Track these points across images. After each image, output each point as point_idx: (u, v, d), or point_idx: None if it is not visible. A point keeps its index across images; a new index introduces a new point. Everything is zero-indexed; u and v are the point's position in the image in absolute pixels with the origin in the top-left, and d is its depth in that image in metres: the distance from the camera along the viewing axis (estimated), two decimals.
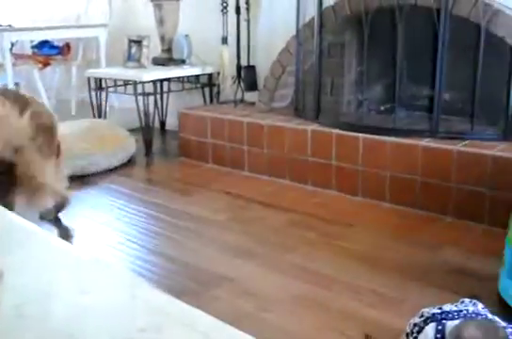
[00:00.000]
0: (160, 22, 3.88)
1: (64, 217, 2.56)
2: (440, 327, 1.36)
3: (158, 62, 3.92)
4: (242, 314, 1.78)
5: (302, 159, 2.98)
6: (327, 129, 2.90)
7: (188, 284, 2.00)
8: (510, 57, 2.51)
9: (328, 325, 1.72)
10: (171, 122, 4.06)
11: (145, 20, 4.17)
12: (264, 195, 2.88)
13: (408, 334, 1.47)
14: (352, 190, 2.82)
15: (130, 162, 3.48)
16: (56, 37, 4.55)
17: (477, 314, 1.43)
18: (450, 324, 1.34)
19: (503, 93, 2.57)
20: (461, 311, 1.44)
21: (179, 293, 1.86)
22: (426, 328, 1.39)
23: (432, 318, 1.42)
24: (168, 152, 3.79)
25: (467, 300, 1.47)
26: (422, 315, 1.47)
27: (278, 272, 2.07)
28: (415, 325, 1.46)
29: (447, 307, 1.46)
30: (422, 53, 2.90)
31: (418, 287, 1.92)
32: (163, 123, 4.25)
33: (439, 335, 1.33)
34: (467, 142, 2.56)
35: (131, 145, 3.53)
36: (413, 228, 2.44)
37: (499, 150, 2.43)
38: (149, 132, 3.70)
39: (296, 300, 1.88)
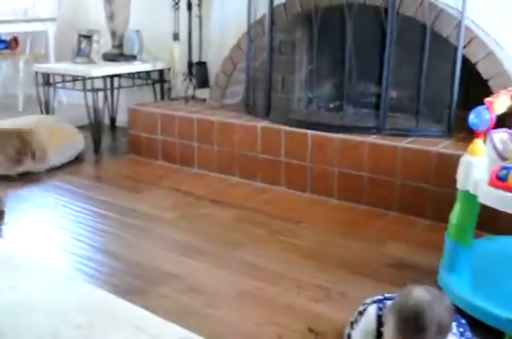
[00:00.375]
0: (110, 17, 3.82)
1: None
2: (381, 305, 1.41)
3: (108, 58, 3.86)
4: (188, 311, 1.78)
5: (252, 156, 2.99)
6: (276, 126, 2.92)
7: (135, 283, 1.98)
8: (454, 57, 2.57)
9: (274, 319, 1.74)
10: (122, 119, 4.00)
11: (95, 14, 4.10)
12: (213, 192, 2.87)
13: (352, 323, 1.50)
14: (301, 187, 2.85)
15: (78, 159, 3.41)
16: (2, 31, 4.43)
17: None
18: (389, 303, 1.38)
19: (447, 92, 2.63)
20: None
21: (125, 291, 1.85)
22: (368, 308, 1.44)
23: (374, 301, 1.46)
24: (117, 149, 3.74)
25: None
26: (365, 303, 1.51)
27: (225, 269, 2.07)
28: (359, 312, 1.50)
29: (388, 295, 1.49)
30: (370, 51, 2.94)
31: (361, 281, 1.95)
32: (113, 120, 4.19)
33: (380, 312, 1.38)
34: (412, 139, 2.62)
35: (79, 142, 3.47)
36: (359, 223, 2.48)
37: (443, 146, 2.49)
38: (98, 128, 3.64)
39: (242, 296, 1.88)
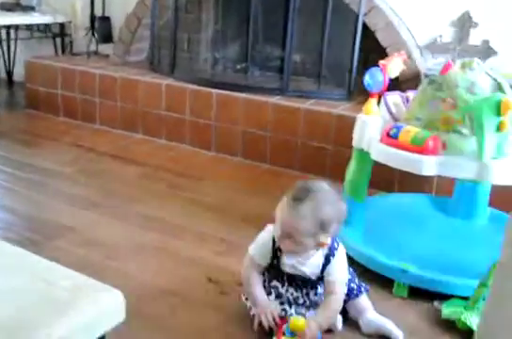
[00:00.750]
0: None
1: None
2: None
3: (5, 7, 3.65)
4: (85, 263, 1.76)
5: (156, 113, 2.96)
6: (181, 84, 2.90)
7: (32, 237, 1.93)
8: (355, 23, 2.64)
9: (174, 271, 1.76)
10: (20, 73, 3.81)
11: None
12: (115, 148, 2.83)
13: None
14: (205, 145, 2.86)
15: None
16: None
17: None
18: None
19: (348, 57, 2.71)
20: None
21: (22, 245, 1.79)
22: (267, 226, 1.51)
23: None
24: (14, 103, 3.58)
25: None
26: None
27: (124, 222, 2.06)
28: None
29: None
30: (275, 15, 2.96)
31: None
32: (9, 74, 3.98)
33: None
34: (314, 101, 2.69)
35: None
36: (261, 181, 2.53)
37: (342, 109, 2.58)
38: None
39: (142, 249, 1.89)
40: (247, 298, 1.53)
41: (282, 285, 1.48)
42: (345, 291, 1.47)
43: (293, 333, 1.35)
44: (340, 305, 1.44)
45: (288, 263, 1.45)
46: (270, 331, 1.41)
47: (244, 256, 1.80)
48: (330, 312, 1.43)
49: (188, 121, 2.88)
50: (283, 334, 1.36)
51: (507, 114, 1.47)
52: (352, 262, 1.72)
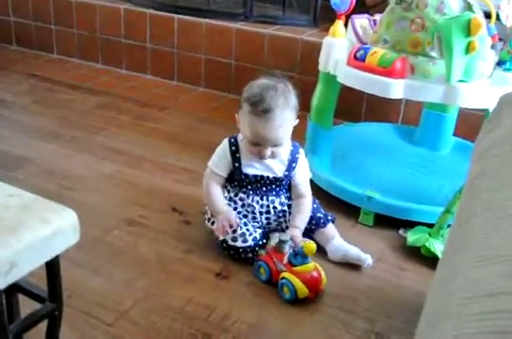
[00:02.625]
0: None
1: None
2: (232, 139, 1.49)
3: None
4: (44, 194, 1.67)
5: (115, 41, 2.83)
6: (141, 9, 2.75)
7: None
8: None
9: (135, 200, 1.72)
10: None
11: None
12: (73, 78, 2.71)
13: None
14: (167, 74, 2.76)
15: None
16: None
17: None
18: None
19: None
20: None
21: None
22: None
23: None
24: None
25: None
26: None
27: (84, 153, 2.00)
28: None
29: None
30: None
31: None
32: None
33: (231, 136, 1.51)
34: (279, 27, 2.59)
35: None
36: (225, 111, 2.47)
37: (308, 35, 2.50)
38: None
39: (102, 179, 1.84)
40: (213, 223, 1.51)
41: (248, 196, 1.49)
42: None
43: (302, 261, 1.33)
44: (310, 207, 1.50)
45: (251, 163, 1.46)
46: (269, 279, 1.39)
47: None
48: (305, 214, 1.48)
49: (149, 48, 2.76)
50: (292, 265, 1.33)
51: (477, 34, 1.42)
52: (318, 190, 1.70)
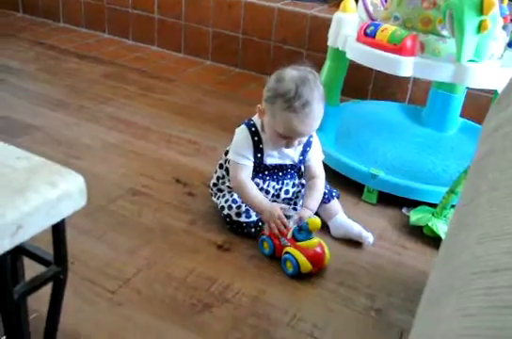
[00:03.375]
0: None
1: None
2: (246, 120, 1.45)
3: None
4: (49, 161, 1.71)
5: (123, 11, 2.80)
6: None
7: None
8: None
9: (141, 171, 1.73)
10: None
11: None
12: (80, 47, 2.70)
13: (221, 164, 1.54)
14: (175, 46, 2.74)
15: None
16: None
17: None
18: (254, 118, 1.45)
19: None
20: None
21: None
22: (238, 129, 1.46)
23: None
24: None
25: None
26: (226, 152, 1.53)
27: (91, 122, 2.00)
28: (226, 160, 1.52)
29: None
30: None
31: (230, 137, 1.94)
32: None
33: (247, 122, 1.44)
34: (288, 1, 2.56)
35: None
36: (232, 85, 2.46)
37: (317, 10, 2.47)
38: None
39: (108, 149, 1.85)
40: (219, 198, 1.51)
41: (264, 181, 1.47)
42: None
43: (306, 236, 1.33)
44: (323, 187, 1.48)
45: (271, 153, 1.44)
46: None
47: (211, 158, 1.79)
48: (318, 193, 1.46)
49: (157, 19, 2.74)
50: (296, 240, 1.33)
51: (490, 13, 1.40)
52: (323, 167, 1.70)
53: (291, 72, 1.33)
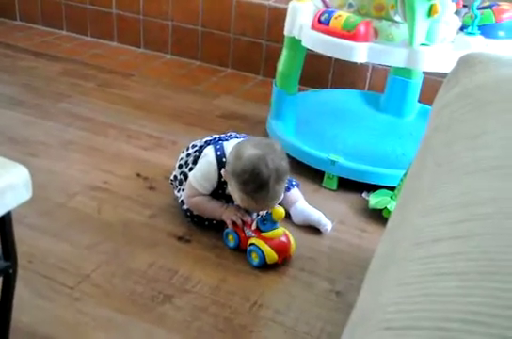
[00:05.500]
0: None
1: None
2: (217, 146, 1.43)
3: None
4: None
5: (80, 7, 2.76)
6: None
7: None
8: None
9: (100, 167, 1.71)
10: None
11: None
12: (37, 45, 2.65)
13: (181, 165, 1.52)
14: (134, 42, 2.71)
15: None
16: None
17: (245, 137, 1.52)
18: (226, 144, 1.42)
19: None
20: (230, 135, 1.52)
21: None
22: (205, 150, 1.45)
23: (208, 142, 1.48)
24: None
25: (233, 133, 1.55)
26: (194, 145, 1.52)
27: (48, 120, 1.97)
28: (188, 154, 1.51)
29: (216, 135, 1.52)
30: None
31: (191, 131, 1.95)
32: None
33: (219, 153, 1.41)
34: None
35: None
36: (193, 78, 2.44)
37: (276, 1, 2.46)
38: None
39: (66, 146, 1.82)
40: (179, 190, 1.50)
41: (227, 202, 1.45)
42: None
43: (270, 227, 1.32)
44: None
45: None
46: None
47: (172, 152, 1.77)
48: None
49: (115, 14, 2.70)
50: (260, 231, 1.32)
51: None
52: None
53: (249, 151, 1.29)
